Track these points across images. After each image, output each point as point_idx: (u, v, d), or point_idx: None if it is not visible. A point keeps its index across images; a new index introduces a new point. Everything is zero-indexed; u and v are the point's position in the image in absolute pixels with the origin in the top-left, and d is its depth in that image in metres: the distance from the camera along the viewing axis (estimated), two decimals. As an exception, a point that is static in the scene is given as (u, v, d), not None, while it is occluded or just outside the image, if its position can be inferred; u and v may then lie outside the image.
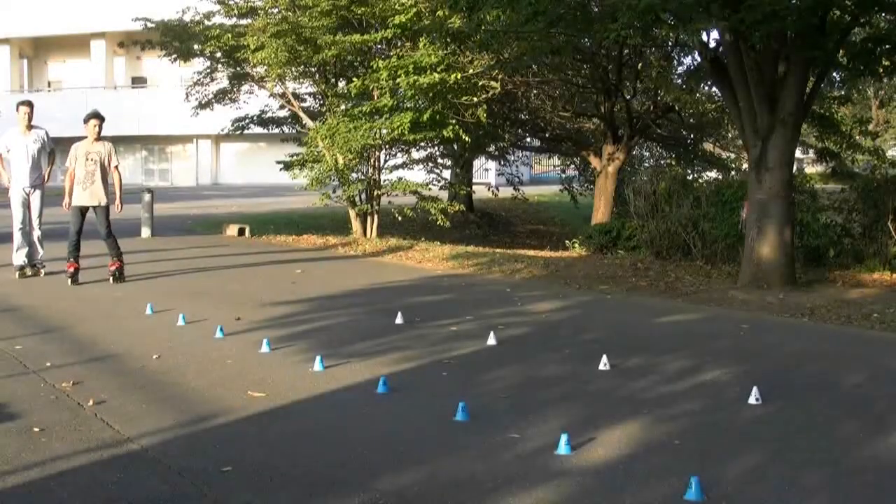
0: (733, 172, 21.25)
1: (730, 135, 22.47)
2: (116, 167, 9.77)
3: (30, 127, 10.05)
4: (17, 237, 10.03)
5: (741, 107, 10.24)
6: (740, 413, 5.16)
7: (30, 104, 10.13)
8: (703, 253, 12.23)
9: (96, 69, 44.90)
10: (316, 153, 15.93)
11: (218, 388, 5.48)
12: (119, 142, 9.53)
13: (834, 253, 12.00)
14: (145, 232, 15.27)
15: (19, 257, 10.06)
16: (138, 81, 45.47)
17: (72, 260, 9.58)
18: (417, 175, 18.34)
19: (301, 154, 16.49)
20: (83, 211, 9.70)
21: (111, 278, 9.72)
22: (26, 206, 10.06)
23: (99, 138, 9.71)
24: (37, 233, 10.08)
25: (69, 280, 9.53)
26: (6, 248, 10.87)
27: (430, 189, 17.73)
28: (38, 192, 10.06)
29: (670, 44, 16.87)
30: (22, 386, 5.46)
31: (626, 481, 4.00)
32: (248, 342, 6.73)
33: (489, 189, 24.95)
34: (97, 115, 9.72)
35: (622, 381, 5.80)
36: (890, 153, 23.52)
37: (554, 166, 32.51)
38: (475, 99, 15.26)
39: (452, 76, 13.94)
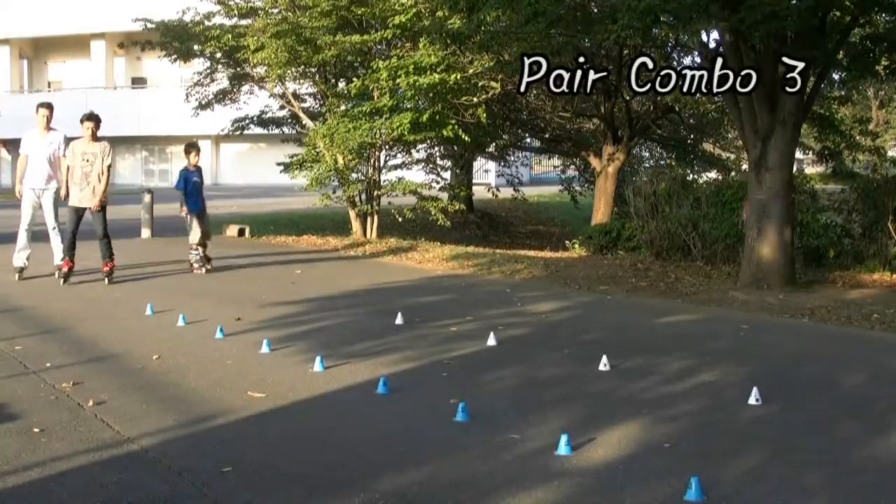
0: (733, 173, 21.24)
1: (730, 135, 22.45)
2: (109, 167, 9.75)
3: (48, 129, 10.02)
4: (22, 238, 9.97)
5: (741, 107, 10.25)
6: (740, 413, 5.16)
7: (49, 106, 10.07)
8: (703, 253, 12.23)
9: (96, 69, 44.90)
10: (315, 153, 15.94)
11: (218, 388, 5.48)
12: (119, 142, 9.60)
13: (834, 253, 12.00)
14: (145, 232, 15.27)
15: (20, 259, 10.02)
16: (138, 82, 45.47)
17: (67, 258, 9.61)
18: (417, 175, 18.34)
19: (300, 154, 16.50)
20: (79, 211, 9.76)
21: (106, 279, 9.75)
22: (36, 207, 10.03)
23: (96, 139, 9.71)
24: (55, 232, 10.03)
25: (62, 280, 9.57)
26: (7, 249, 10.85)
27: (430, 189, 17.73)
28: (48, 193, 9.98)
29: (670, 44, 16.85)
30: (22, 386, 5.46)
31: (626, 481, 4.00)
32: (248, 343, 6.73)
33: (490, 190, 24.95)
34: (91, 117, 9.73)
35: (622, 382, 5.80)
36: (890, 153, 23.51)
37: (554, 167, 32.51)
38: (475, 99, 15.27)
39: (452, 76, 13.94)
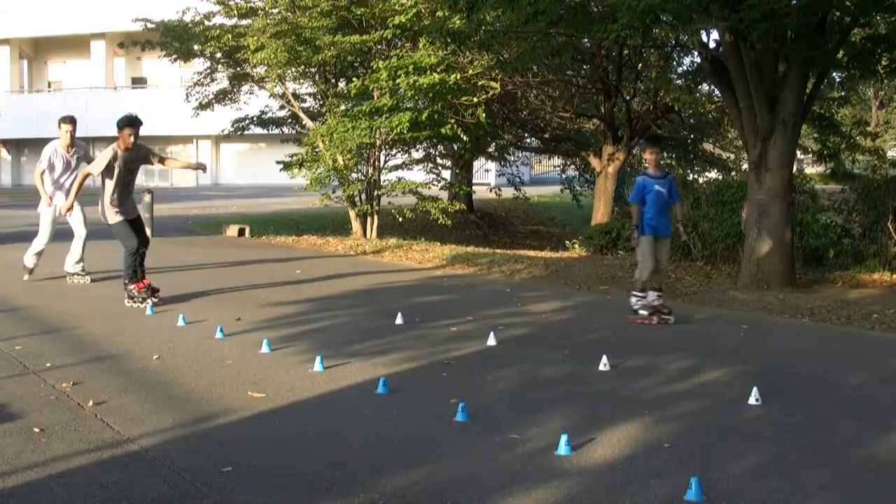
0: (733, 173, 21.24)
1: (730, 135, 22.46)
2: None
3: (73, 144, 9.68)
4: (39, 246, 9.84)
5: (741, 107, 10.24)
6: (740, 413, 5.16)
7: (72, 121, 9.60)
8: (703, 253, 12.23)
9: (96, 69, 44.91)
10: (315, 153, 15.95)
11: (218, 388, 5.48)
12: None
13: (834, 253, 11.99)
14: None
15: (32, 260, 9.94)
16: (138, 82, 45.48)
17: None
18: (417, 175, 18.36)
19: (300, 154, 16.51)
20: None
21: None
22: (57, 221, 9.79)
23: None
24: (80, 239, 9.79)
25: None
26: (5, 249, 10.84)
27: (429, 188, 17.75)
28: (77, 206, 9.53)
29: (670, 44, 16.86)
30: (22, 386, 5.46)
31: (626, 481, 4.00)
32: (249, 342, 6.73)
33: (492, 190, 24.97)
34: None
35: (622, 382, 5.80)
36: (890, 154, 23.52)
37: (554, 167, 32.51)
38: (475, 99, 15.27)
39: (452, 76, 13.95)
